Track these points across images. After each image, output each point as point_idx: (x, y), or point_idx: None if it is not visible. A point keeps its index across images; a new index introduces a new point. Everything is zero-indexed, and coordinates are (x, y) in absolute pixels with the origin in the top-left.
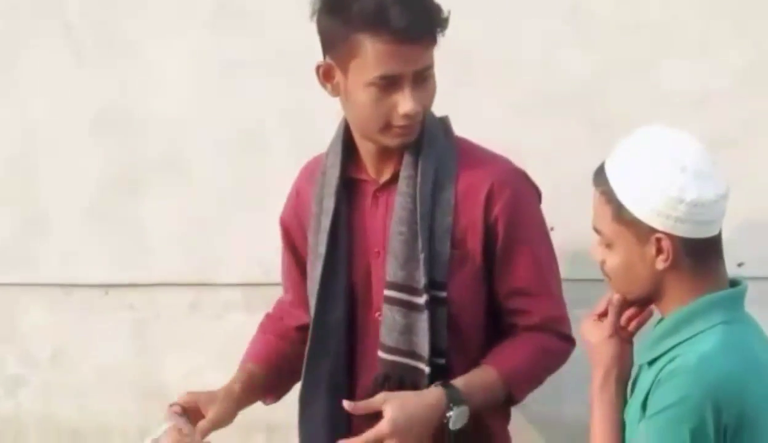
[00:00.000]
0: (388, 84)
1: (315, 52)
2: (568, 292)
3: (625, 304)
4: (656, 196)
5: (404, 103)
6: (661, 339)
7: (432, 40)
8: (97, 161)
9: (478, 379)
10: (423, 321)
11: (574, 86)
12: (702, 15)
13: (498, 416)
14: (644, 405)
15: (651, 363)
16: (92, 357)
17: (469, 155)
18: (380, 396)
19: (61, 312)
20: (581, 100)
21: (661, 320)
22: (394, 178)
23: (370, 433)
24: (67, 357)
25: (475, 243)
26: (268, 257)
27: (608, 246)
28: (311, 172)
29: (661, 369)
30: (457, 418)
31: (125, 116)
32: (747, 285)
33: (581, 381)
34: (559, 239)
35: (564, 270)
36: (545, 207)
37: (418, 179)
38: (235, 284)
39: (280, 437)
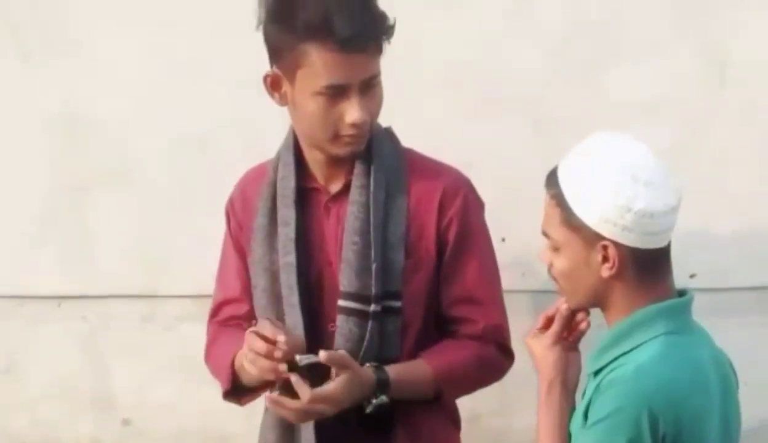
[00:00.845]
0: (336, 93)
1: (266, 57)
2: (517, 303)
3: (571, 315)
4: (605, 202)
5: (351, 112)
6: (605, 349)
7: (377, 49)
8: (45, 168)
9: (411, 373)
10: (375, 331)
11: (520, 90)
12: (648, 18)
13: (444, 421)
14: (586, 415)
15: (596, 373)
16: (44, 368)
17: (418, 164)
18: (343, 358)
19: (12, 323)
20: (528, 104)
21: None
22: (346, 188)
23: (317, 393)
24: (19, 368)
25: (428, 251)
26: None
27: (556, 250)
28: (256, 180)
29: (602, 379)
30: (375, 406)
31: (73, 121)
32: (693, 295)
33: (532, 393)
34: (509, 250)
35: (514, 282)
36: (496, 216)
37: (371, 188)
38: (187, 295)
39: None
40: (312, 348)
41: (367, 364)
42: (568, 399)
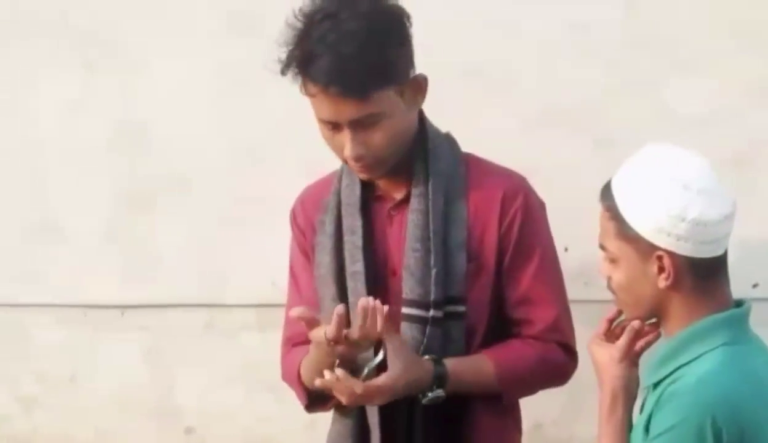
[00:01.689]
0: (332, 126)
1: None
2: (581, 313)
3: (642, 330)
4: (658, 213)
5: (345, 147)
6: (664, 361)
7: (363, 97)
8: (108, 179)
9: (471, 367)
10: (439, 337)
11: (581, 102)
12: (708, 32)
13: (511, 426)
14: (647, 428)
15: (655, 385)
16: (108, 377)
17: (478, 168)
18: (398, 342)
19: (76, 332)
20: (588, 115)
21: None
22: (408, 196)
23: (370, 385)
24: (83, 377)
25: (491, 255)
26: (282, 277)
27: (613, 262)
28: (315, 194)
29: (663, 392)
30: (431, 399)
31: (136, 133)
32: (751, 305)
33: (594, 403)
34: (572, 259)
35: (577, 292)
36: (558, 226)
37: (429, 195)
38: (249, 304)
39: None
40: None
41: (427, 356)
42: (630, 412)
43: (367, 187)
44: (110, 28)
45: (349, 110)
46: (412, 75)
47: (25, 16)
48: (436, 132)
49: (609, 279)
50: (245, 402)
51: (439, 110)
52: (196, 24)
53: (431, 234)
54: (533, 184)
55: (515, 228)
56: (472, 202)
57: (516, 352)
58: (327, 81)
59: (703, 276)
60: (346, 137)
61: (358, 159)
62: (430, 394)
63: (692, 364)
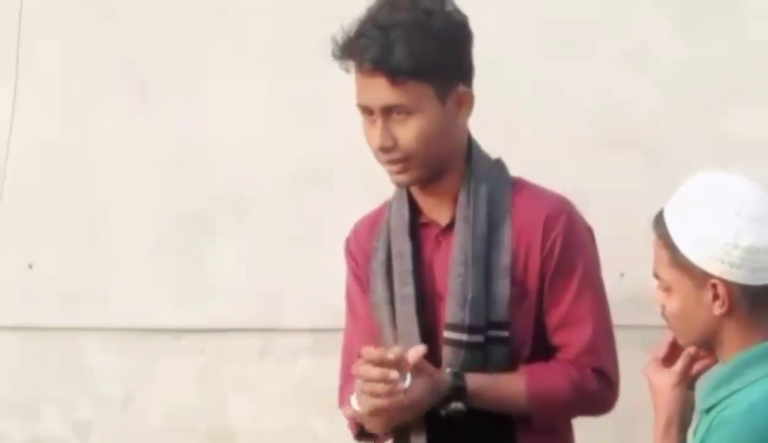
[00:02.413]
0: (367, 113)
1: None
2: (634, 339)
3: (698, 355)
4: (711, 240)
5: (372, 136)
6: (717, 387)
7: (395, 82)
8: (163, 201)
9: (498, 384)
10: (478, 361)
11: (636, 125)
12: (765, 57)
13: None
14: None
15: (707, 410)
16: (162, 401)
17: (523, 192)
18: (420, 363)
19: (131, 356)
20: (645, 141)
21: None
22: (454, 222)
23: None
24: (139, 401)
25: (533, 279)
26: (337, 301)
27: (667, 291)
28: (369, 223)
29: (714, 418)
30: (450, 412)
31: (192, 156)
32: None
33: (646, 432)
34: (627, 285)
35: (631, 317)
36: (613, 251)
37: (471, 220)
38: (304, 329)
39: None
40: None
41: (447, 369)
42: (684, 437)
43: (415, 213)
44: (169, 47)
45: (382, 94)
46: (461, 88)
47: (83, 36)
48: (485, 157)
49: (663, 307)
50: (298, 427)
51: (491, 130)
52: (252, 45)
53: (470, 260)
54: (586, 208)
55: (556, 251)
56: (516, 226)
57: (551, 373)
58: (364, 56)
59: (759, 303)
60: (375, 126)
61: (385, 150)
62: (450, 407)
63: (744, 390)
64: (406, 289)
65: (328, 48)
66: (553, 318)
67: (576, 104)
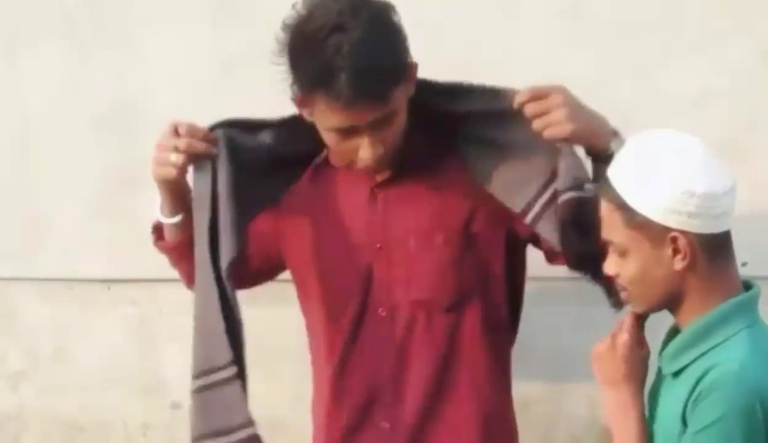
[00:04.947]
0: (346, 132)
1: None
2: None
3: (640, 318)
4: (666, 193)
5: (362, 151)
6: (686, 347)
7: (382, 101)
8: (98, 156)
9: None
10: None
11: (574, 87)
12: (700, 14)
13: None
14: (683, 419)
15: (676, 374)
16: (94, 352)
17: None
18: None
19: (63, 307)
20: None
21: (679, 328)
22: (392, 176)
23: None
24: (69, 352)
25: None
26: None
27: (622, 255)
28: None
29: (698, 381)
30: (617, 146)
31: (126, 111)
32: (760, 287)
33: (581, 380)
34: None
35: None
36: None
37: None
38: None
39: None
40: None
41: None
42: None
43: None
44: (103, 5)
45: (371, 113)
46: (412, 64)
47: None
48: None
49: (617, 276)
50: None
51: None
52: (192, 3)
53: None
54: None
55: None
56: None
57: None
58: (353, 94)
59: (715, 256)
60: (363, 141)
61: (374, 160)
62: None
63: (719, 350)
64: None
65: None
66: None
67: (513, 66)
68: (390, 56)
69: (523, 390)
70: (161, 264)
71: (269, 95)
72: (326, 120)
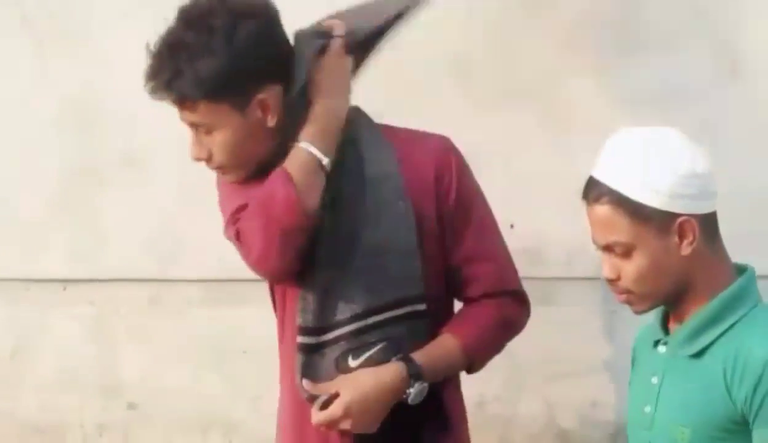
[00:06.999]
0: (188, 125)
1: None
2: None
3: None
4: (668, 178)
5: (191, 147)
6: (705, 328)
7: (187, 108)
8: (56, 155)
9: (439, 351)
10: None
11: (533, 83)
12: (659, 13)
13: (449, 385)
14: (730, 396)
15: (697, 354)
16: (51, 352)
17: (399, 138)
18: (335, 380)
19: (19, 307)
20: (539, 96)
21: (668, 316)
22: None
23: (323, 415)
24: (26, 352)
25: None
26: (228, 252)
27: (626, 255)
28: None
29: (734, 360)
30: (416, 395)
31: (86, 109)
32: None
33: (537, 379)
34: (517, 237)
35: (522, 269)
36: (505, 203)
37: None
38: (195, 280)
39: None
40: None
41: (393, 359)
42: None
43: None
44: (61, 3)
45: (182, 114)
46: (261, 95)
47: None
48: (356, 118)
49: (618, 278)
50: (189, 379)
51: (392, 94)
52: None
53: None
54: (480, 162)
55: (453, 190)
56: (407, 176)
57: (476, 319)
58: (156, 79)
59: (713, 236)
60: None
61: (197, 160)
62: (411, 391)
63: (739, 327)
64: None
65: None
66: (457, 255)
67: (471, 58)
68: (209, 75)
69: (479, 390)
70: (119, 264)
71: None
72: None
